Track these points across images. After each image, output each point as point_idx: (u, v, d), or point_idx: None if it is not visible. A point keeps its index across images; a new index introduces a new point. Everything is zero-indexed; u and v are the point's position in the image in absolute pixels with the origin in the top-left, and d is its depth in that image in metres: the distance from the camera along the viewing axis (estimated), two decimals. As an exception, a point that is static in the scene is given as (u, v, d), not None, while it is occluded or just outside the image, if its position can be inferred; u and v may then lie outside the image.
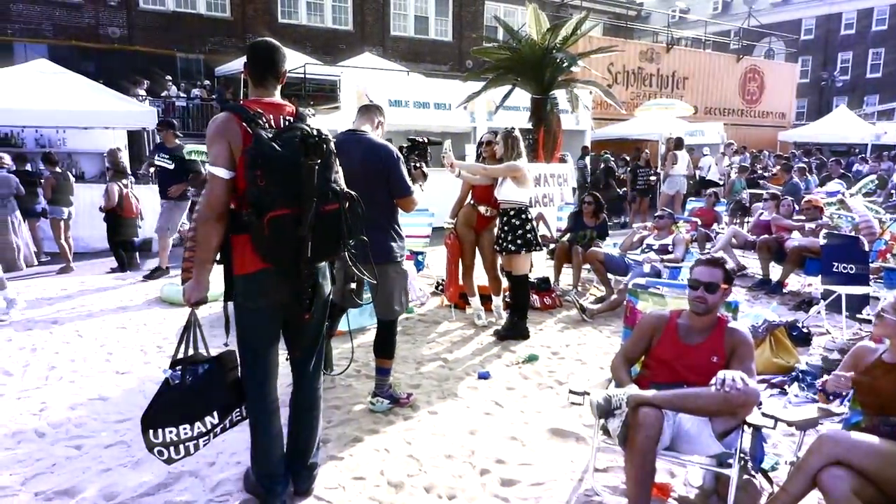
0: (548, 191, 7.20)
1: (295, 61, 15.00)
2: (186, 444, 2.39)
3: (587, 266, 6.54)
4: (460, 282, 5.53)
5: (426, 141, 3.95)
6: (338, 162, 2.45)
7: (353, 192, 2.42)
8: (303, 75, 14.31)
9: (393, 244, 3.48)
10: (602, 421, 2.77)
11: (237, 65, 16.66)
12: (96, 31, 17.36)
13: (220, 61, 18.27)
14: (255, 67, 2.44)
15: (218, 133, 2.30)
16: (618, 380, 2.80)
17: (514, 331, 5.04)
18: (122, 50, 17.48)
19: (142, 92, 14.78)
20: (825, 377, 2.79)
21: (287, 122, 2.39)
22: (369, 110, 3.63)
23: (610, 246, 7.06)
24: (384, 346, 3.66)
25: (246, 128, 2.28)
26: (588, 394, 2.71)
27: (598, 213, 6.77)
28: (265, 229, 2.22)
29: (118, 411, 3.62)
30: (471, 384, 4.12)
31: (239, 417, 2.56)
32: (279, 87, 2.50)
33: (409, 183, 3.45)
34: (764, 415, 2.67)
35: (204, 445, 2.47)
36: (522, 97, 8.31)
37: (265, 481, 2.61)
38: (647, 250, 6.39)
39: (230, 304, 2.52)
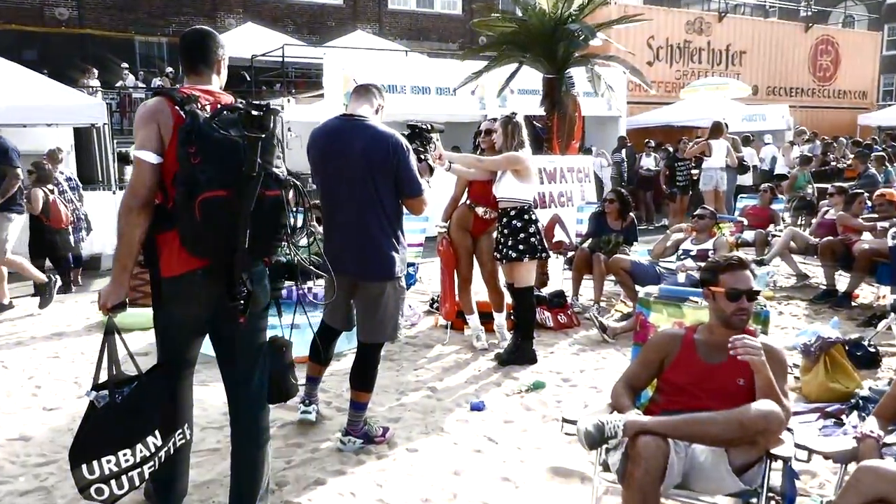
0: (565, 188, 7.28)
1: (273, 42, 15.30)
2: (129, 473, 2.42)
3: (612, 277, 6.56)
4: (457, 297, 5.58)
5: (430, 127, 4.02)
6: (281, 148, 2.56)
7: (297, 181, 2.53)
8: (281, 58, 14.57)
9: (395, 255, 3.51)
10: (603, 455, 2.79)
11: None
12: (41, 13, 17.81)
13: (186, 45, 18.63)
14: (185, 56, 2.66)
15: (147, 116, 2.45)
16: (618, 407, 2.82)
17: (519, 354, 5.07)
18: (70, 34, 17.91)
19: (93, 82, 15.14)
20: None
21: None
22: (367, 91, 3.66)
23: (643, 253, 7.08)
24: (363, 377, 3.70)
25: (178, 111, 2.43)
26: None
27: (624, 214, 6.79)
28: (196, 213, 2.32)
29: (41, 453, 3.70)
30: (461, 417, 4.16)
31: (182, 440, 2.64)
32: (215, 77, 2.68)
33: (420, 180, 3.52)
34: (797, 445, 2.69)
35: (149, 474, 2.51)
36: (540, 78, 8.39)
37: (160, 488, 2.77)
38: (683, 256, 6.41)
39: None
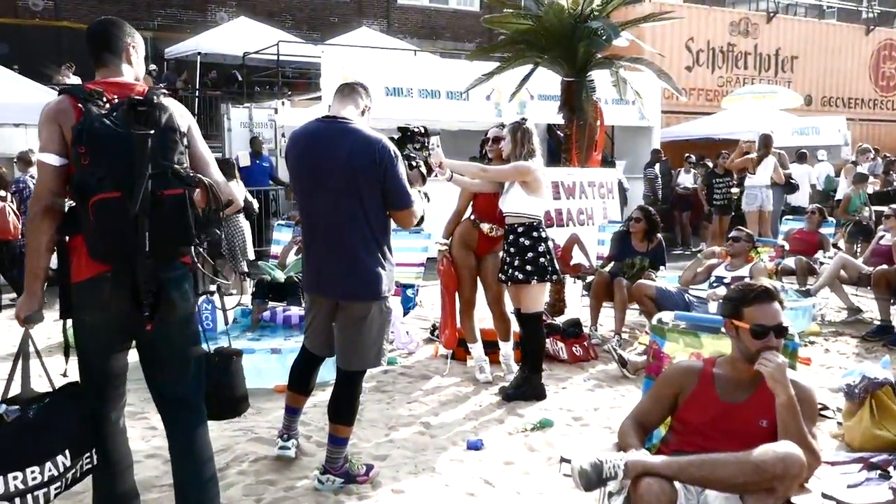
0: (585, 204, 7.33)
1: (268, 39, 15.53)
2: (35, 493, 2.53)
3: (636, 305, 6.56)
4: (459, 323, 5.61)
5: (423, 130, 4.07)
6: (186, 143, 2.69)
7: (206, 179, 2.66)
8: (276, 57, 14.77)
9: (382, 272, 3.55)
10: (605, 501, 2.80)
11: (192, 44, 17.26)
12: (13, 3, 18.17)
13: (172, 40, 18.90)
14: (89, 47, 2.80)
15: (48, 117, 2.60)
16: (625, 447, 2.82)
17: (525, 389, 5.09)
18: (45, 26, 18.24)
19: (70, 80, 15.41)
20: None
21: None
22: (353, 91, 3.71)
23: (672, 279, 7.08)
24: (343, 408, 3.72)
25: (80, 108, 2.55)
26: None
27: (651, 235, 6.81)
28: (91, 216, 2.47)
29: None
30: (455, 456, 4.18)
31: (90, 465, 2.72)
32: (126, 66, 2.80)
33: (410, 190, 3.58)
34: (823, 495, 2.69)
35: (56, 496, 2.61)
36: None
37: None
38: (716, 284, 6.42)
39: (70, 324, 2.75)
